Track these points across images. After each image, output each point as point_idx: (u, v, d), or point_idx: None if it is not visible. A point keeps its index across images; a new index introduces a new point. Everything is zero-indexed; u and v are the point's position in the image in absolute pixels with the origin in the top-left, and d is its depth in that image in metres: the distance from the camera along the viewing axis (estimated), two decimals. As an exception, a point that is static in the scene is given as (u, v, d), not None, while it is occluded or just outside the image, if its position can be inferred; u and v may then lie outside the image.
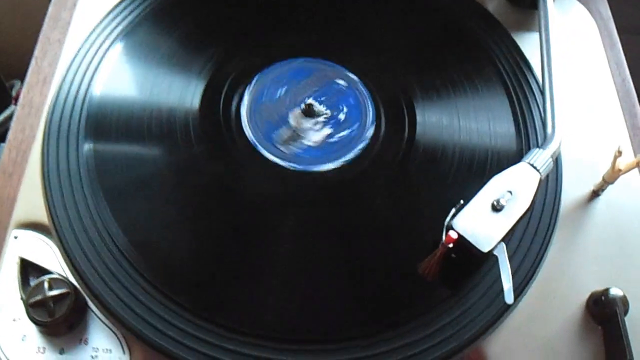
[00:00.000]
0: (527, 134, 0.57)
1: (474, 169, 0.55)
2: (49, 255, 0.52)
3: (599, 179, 0.56)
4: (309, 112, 0.57)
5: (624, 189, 0.57)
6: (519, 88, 0.59)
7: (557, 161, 0.55)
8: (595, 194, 0.56)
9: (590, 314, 0.52)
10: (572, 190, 0.57)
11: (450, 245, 0.45)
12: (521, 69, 0.60)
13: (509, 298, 0.44)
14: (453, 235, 0.45)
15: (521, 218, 0.47)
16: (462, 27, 0.63)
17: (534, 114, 0.58)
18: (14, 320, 0.50)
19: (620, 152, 0.53)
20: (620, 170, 0.53)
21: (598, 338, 0.51)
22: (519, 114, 0.57)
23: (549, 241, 0.53)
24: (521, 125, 0.57)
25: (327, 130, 0.57)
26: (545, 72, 0.54)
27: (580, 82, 0.64)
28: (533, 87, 0.59)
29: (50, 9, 0.67)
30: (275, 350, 0.48)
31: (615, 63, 0.66)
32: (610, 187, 0.56)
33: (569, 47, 0.65)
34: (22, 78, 0.68)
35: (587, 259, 0.54)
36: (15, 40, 0.91)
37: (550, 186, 0.55)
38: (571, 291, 0.53)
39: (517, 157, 0.54)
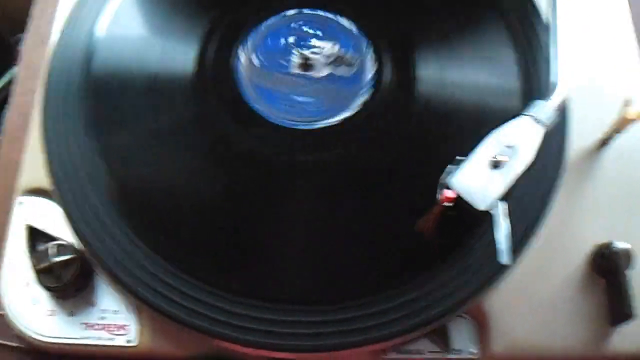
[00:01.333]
0: (534, 85, 0.55)
1: (478, 121, 0.54)
2: (55, 221, 0.54)
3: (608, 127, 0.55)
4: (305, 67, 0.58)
5: (633, 139, 0.56)
6: (526, 37, 0.57)
7: (563, 108, 0.54)
8: (604, 142, 0.56)
9: (594, 266, 0.52)
10: (580, 137, 0.56)
11: (447, 204, 0.46)
12: (529, 16, 0.58)
13: (504, 259, 0.45)
14: (449, 193, 0.45)
15: (522, 174, 0.47)
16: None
17: (541, 64, 0.56)
18: (25, 285, 0.53)
19: (628, 102, 0.52)
20: (629, 119, 0.52)
21: (601, 291, 0.52)
22: (525, 62, 0.56)
23: (552, 194, 0.52)
24: (527, 73, 0.56)
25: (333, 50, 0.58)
26: (551, 19, 0.53)
27: (595, 19, 0.62)
28: (541, 37, 0.57)
29: (47, -33, 0.67)
30: (280, 312, 0.49)
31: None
32: (619, 136, 0.55)
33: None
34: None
35: (593, 210, 0.54)
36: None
37: (556, 133, 0.54)
38: (575, 243, 0.53)
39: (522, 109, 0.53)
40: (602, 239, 0.52)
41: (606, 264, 0.51)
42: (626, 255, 0.51)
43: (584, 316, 0.52)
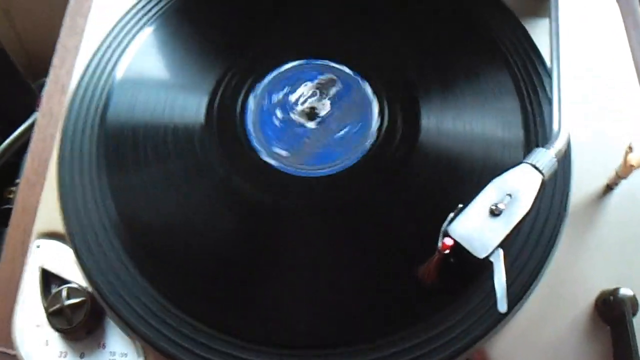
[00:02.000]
0: (537, 132, 0.57)
1: (480, 170, 0.55)
2: (69, 264, 0.56)
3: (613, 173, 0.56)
4: (312, 116, 0.59)
5: (637, 184, 0.56)
6: (530, 83, 0.58)
7: (568, 153, 0.55)
8: (610, 188, 0.56)
9: (599, 313, 0.52)
10: (585, 184, 0.57)
11: (446, 252, 0.47)
12: (533, 62, 0.59)
13: (502, 306, 0.46)
14: (448, 242, 0.47)
15: (522, 222, 0.48)
16: (471, 14, 0.63)
17: (545, 112, 0.57)
18: (37, 326, 0.54)
19: (631, 148, 0.53)
20: (632, 166, 0.53)
21: (607, 338, 0.52)
22: (529, 111, 0.57)
23: (556, 239, 0.53)
24: (530, 122, 0.57)
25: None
26: (554, 65, 0.54)
27: (598, 66, 0.63)
28: (545, 83, 0.59)
29: (66, 16, 0.70)
30: (287, 357, 0.50)
31: (639, 43, 0.65)
32: (624, 182, 0.56)
33: (585, 27, 0.65)
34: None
35: (598, 256, 0.54)
36: (46, 37, 0.96)
37: (559, 180, 0.55)
38: (580, 290, 0.53)
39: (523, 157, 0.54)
40: (608, 285, 0.53)
41: (611, 311, 0.51)
42: (632, 303, 0.51)
43: (589, 363, 0.52)
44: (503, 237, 0.47)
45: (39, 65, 0.96)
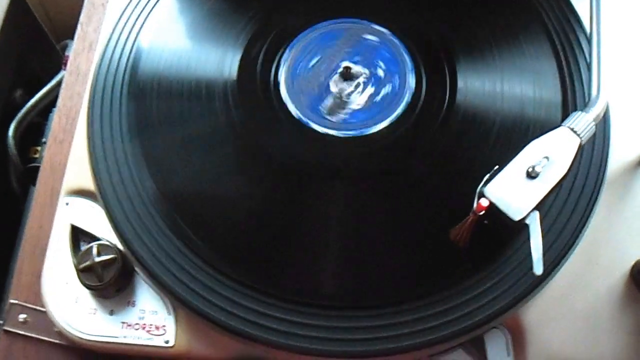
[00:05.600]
0: (575, 97, 0.58)
1: (517, 132, 0.57)
2: (98, 221, 0.59)
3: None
4: (348, 75, 0.60)
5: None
6: (567, 45, 0.60)
7: (605, 121, 0.57)
8: (647, 156, 0.58)
9: (634, 282, 0.54)
10: (622, 152, 0.58)
11: (482, 213, 0.48)
12: (570, 24, 0.61)
13: (538, 269, 0.47)
14: (484, 202, 0.48)
15: (558, 185, 0.49)
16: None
17: (582, 76, 0.59)
18: (66, 283, 0.57)
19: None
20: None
21: (641, 307, 0.54)
22: (567, 76, 0.59)
23: (593, 206, 0.55)
24: (569, 88, 0.58)
25: (370, 90, 0.60)
26: (593, 30, 0.56)
27: (638, 34, 0.64)
28: (584, 47, 0.60)
29: (94, -26, 0.73)
30: (317, 317, 0.53)
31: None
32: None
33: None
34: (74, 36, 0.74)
35: (634, 225, 0.56)
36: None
37: (597, 147, 0.56)
38: (615, 258, 0.55)
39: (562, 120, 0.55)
40: (643, 254, 0.55)
41: (646, 280, 0.53)
42: (666, 271, 0.53)
43: (622, 331, 0.54)
44: (539, 200, 0.48)
45: (61, 26, 0.99)
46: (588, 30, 0.58)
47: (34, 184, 0.65)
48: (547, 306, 0.54)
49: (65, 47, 0.90)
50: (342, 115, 0.59)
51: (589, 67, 0.55)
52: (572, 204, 0.55)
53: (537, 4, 0.63)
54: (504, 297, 0.52)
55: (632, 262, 0.55)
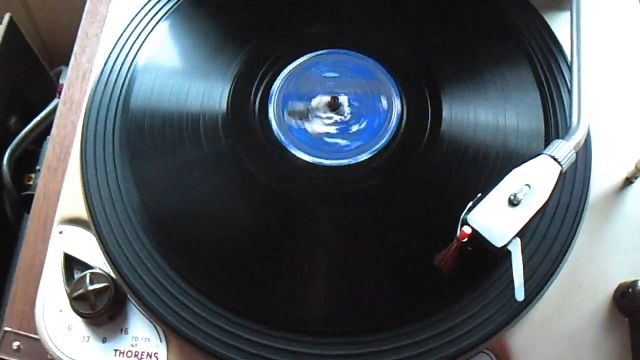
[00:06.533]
0: (557, 123, 0.60)
1: (499, 160, 0.59)
2: (91, 249, 0.60)
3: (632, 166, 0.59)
4: (333, 106, 0.62)
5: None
6: (550, 75, 0.62)
7: (586, 146, 0.59)
8: (629, 181, 0.59)
9: (617, 306, 0.56)
10: (604, 177, 0.60)
11: (465, 240, 0.50)
12: (553, 54, 0.63)
13: (520, 295, 0.49)
14: (467, 230, 0.50)
15: (539, 211, 0.51)
16: (492, 6, 0.67)
17: (564, 102, 0.61)
18: (60, 311, 0.58)
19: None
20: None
21: (625, 330, 0.55)
22: (549, 104, 0.61)
23: (576, 230, 0.57)
24: (551, 115, 0.60)
25: (331, 129, 0.62)
26: (574, 58, 0.57)
27: (619, 59, 0.66)
28: (565, 74, 0.62)
29: (88, 3, 0.74)
30: (307, 344, 0.54)
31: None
32: (644, 174, 0.59)
33: (605, 23, 0.68)
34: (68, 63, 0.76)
35: (617, 249, 0.58)
36: (62, 25, 1.00)
37: (579, 172, 0.58)
38: (598, 282, 0.57)
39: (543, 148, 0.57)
40: (626, 278, 0.56)
41: (630, 304, 0.54)
42: (649, 295, 0.54)
43: (606, 355, 0.55)
44: (521, 227, 0.50)
45: (55, 53, 1.01)
46: (569, 58, 0.60)
47: (28, 212, 0.67)
48: (532, 329, 0.56)
49: (59, 74, 0.91)
50: (293, 124, 0.62)
51: (569, 94, 0.57)
52: (555, 229, 0.57)
53: (520, 34, 0.65)
54: (489, 323, 0.54)
55: (615, 285, 0.56)
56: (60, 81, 0.87)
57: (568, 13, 0.61)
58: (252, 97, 0.64)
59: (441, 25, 0.67)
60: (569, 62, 0.62)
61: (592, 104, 0.56)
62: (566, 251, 0.56)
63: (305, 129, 0.62)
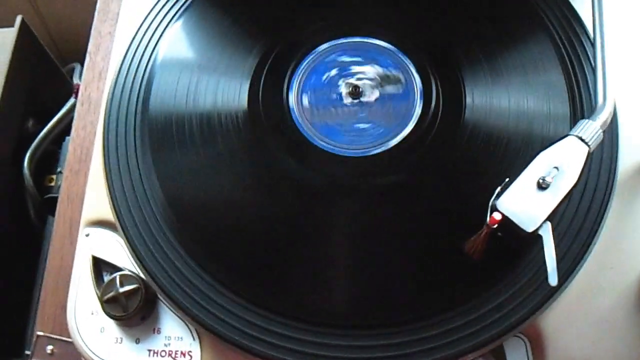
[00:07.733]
0: (582, 103, 0.60)
1: (526, 144, 0.59)
2: (119, 251, 0.61)
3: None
4: (355, 94, 0.63)
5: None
6: (573, 53, 0.61)
7: (613, 126, 0.59)
8: (657, 158, 0.60)
9: (650, 284, 0.56)
10: (631, 155, 0.60)
11: (495, 226, 0.50)
12: (576, 32, 0.62)
13: (553, 280, 0.49)
14: (497, 216, 0.50)
15: (569, 194, 0.51)
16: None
17: (589, 82, 0.60)
18: (92, 313, 0.59)
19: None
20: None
21: (658, 309, 0.56)
22: (573, 82, 0.61)
23: (605, 211, 0.57)
24: (575, 94, 0.60)
25: (353, 117, 0.63)
26: (597, 33, 0.57)
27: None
28: (588, 51, 0.62)
29: (99, 1, 0.75)
30: (337, 337, 0.55)
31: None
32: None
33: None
34: (81, 60, 0.76)
35: (647, 228, 0.58)
36: (70, 21, 1.00)
37: (606, 151, 0.58)
38: (630, 261, 0.57)
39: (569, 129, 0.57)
40: (657, 256, 0.56)
41: (661, 282, 0.55)
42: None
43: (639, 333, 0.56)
44: (551, 210, 0.50)
45: (66, 50, 1.01)
46: (592, 35, 0.60)
47: (53, 214, 0.68)
48: (564, 312, 0.56)
49: (71, 71, 0.92)
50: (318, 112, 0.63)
51: (594, 72, 0.57)
52: (583, 211, 0.57)
53: (541, 13, 0.64)
54: (521, 307, 0.54)
55: (647, 265, 0.57)
56: (74, 79, 0.87)
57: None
58: (272, 88, 0.64)
59: (461, 8, 0.67)
60: (591, 39, 0.62)
61: (617, 82, 0.56)
62: (596, 232, 0.56)
63: (326, 119, 0.62)
